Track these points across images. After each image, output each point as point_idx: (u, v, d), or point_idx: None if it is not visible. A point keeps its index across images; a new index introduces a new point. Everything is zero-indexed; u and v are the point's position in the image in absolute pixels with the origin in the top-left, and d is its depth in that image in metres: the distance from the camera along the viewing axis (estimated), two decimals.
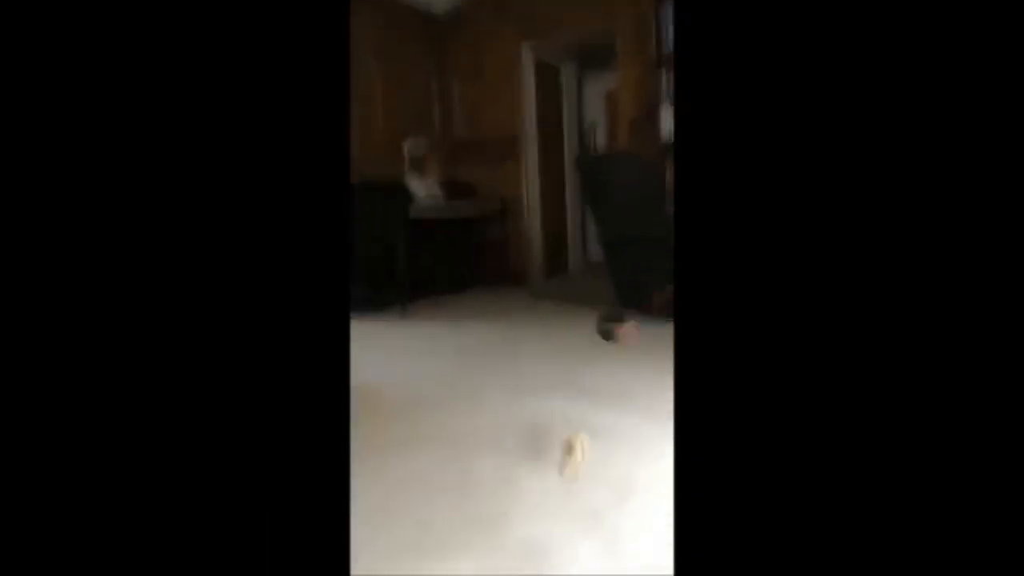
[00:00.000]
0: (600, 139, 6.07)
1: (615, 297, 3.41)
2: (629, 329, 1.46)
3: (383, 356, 2.64)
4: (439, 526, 1.19)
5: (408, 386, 2.18)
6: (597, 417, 1.76)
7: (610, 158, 3.53)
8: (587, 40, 4.68)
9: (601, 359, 2.41)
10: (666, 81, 4.07)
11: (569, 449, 1.47)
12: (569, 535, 1.14)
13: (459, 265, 4.46)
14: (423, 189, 4.03)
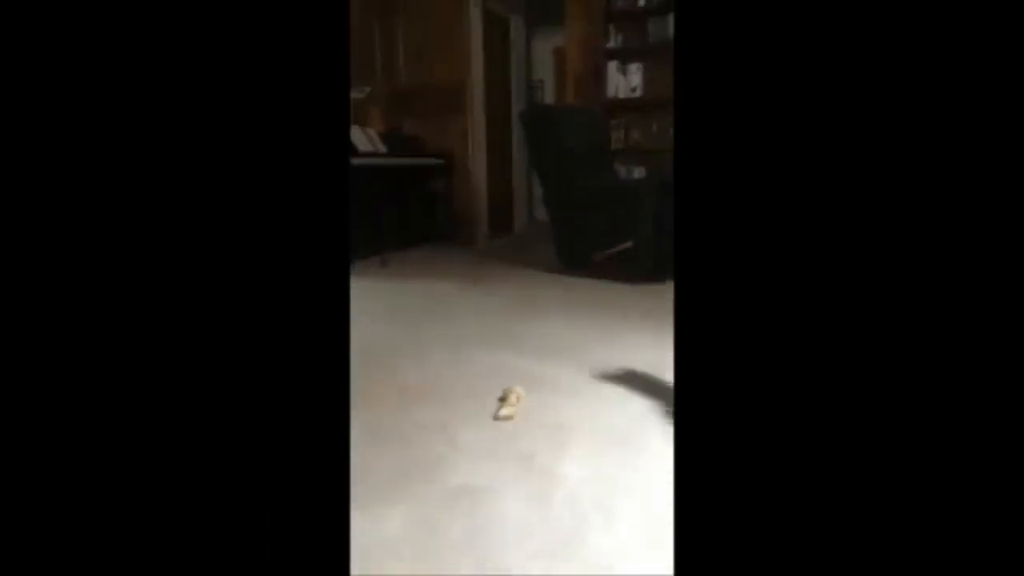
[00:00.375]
0: (547, 96, 6.00)
1: (556, 256, 3.44)
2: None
3: None
4: (376, 474, 1.19)
5: (352, 342, 2.15)
6: (535, 370, 1.79)
7: (555, 109, 3.50)
8: None
9: (540, 317, 2.44)
10: (614, 39, 4.04)
11: (504, 398, 1.50)
12: (503, 479, 1.16)
13: (402, 222, 4.37)
14: (364, 140, 3.89)
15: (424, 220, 4.62)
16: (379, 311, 2.57)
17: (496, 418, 1.43)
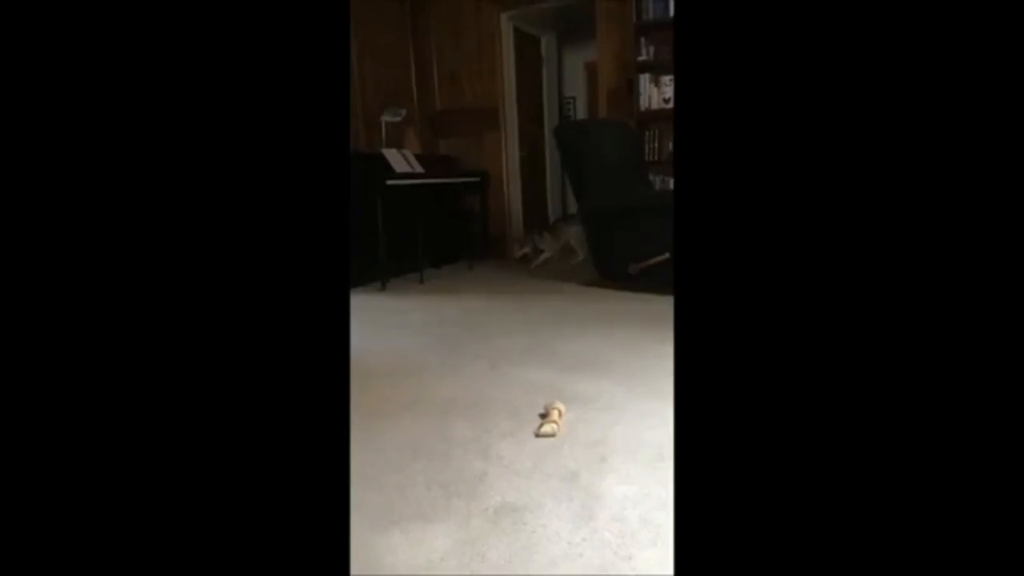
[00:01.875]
0: (579, 112, 6.02)
1: (594, 269, 3.43)
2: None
3: (365, 327, 2.64)
4: (418, 490, 1.21)
5: (389, 357, 2.19)
6: (570, 384, 1.79)
7: (588, 124, 3.51)
8: (567, 10, 4.61)
9: (577, 330, 2.44)
10: (645, 51, 4.04)
11: (546, 414, 1.51)
12: (545, 496, 1.17)
13: (438, 239, 4.44)
14: (401, 161, 3.98)
15: (460, 237, 4.67)
16: (417, 326, 2.62)
17: (538, 435, 1.43)
